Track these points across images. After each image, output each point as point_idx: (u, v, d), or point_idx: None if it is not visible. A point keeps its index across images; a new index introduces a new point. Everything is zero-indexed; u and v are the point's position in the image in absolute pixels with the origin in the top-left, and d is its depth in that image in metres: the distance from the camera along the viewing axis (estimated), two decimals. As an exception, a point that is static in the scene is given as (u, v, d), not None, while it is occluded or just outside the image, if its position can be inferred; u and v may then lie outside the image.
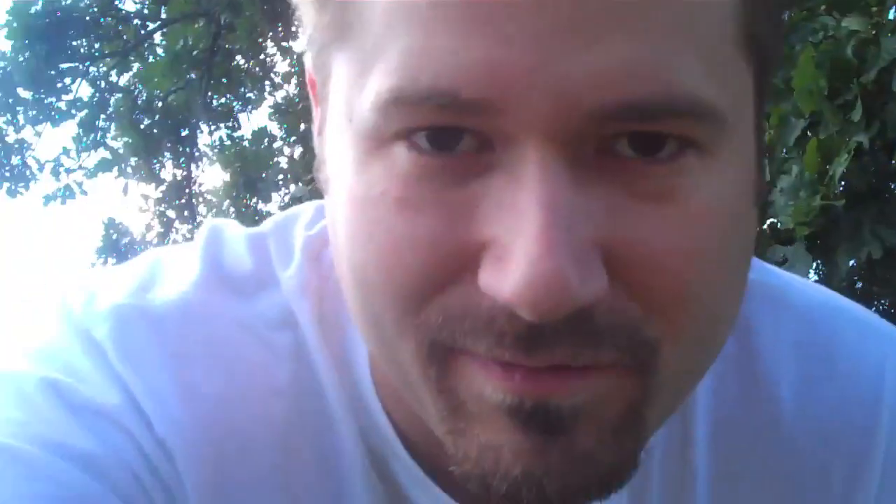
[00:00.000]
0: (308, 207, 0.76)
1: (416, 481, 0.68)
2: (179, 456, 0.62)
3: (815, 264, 2.80)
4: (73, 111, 9.40)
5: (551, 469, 0.51)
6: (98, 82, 9.58)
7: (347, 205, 0.53)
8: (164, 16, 9.17)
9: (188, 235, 9.46)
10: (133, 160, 9.08)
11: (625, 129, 0.47)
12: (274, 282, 0.70)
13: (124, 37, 9.41)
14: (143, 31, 9.33)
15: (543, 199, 0.46)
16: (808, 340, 0.72)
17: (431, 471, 0.68)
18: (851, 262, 2.74)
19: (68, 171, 9.45)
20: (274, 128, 9.26)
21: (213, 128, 9.42)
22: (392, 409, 0.68)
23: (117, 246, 9.51)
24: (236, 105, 9.55)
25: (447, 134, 0.49)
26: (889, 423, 0.71)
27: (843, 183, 2.61)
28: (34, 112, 9.42)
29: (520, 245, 0.46)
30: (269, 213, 8.92)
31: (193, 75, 9.03)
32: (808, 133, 2.75)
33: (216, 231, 0.74)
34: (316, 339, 0.68)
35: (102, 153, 9.23)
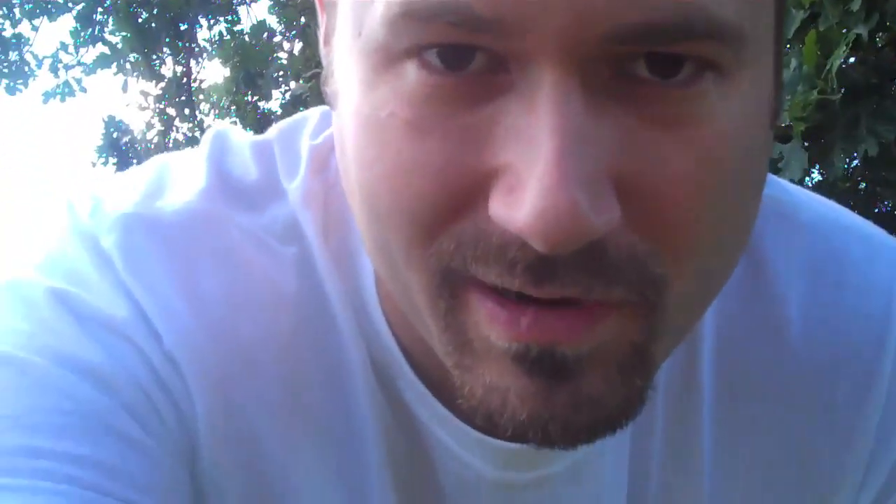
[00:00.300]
0: (313, 114, 0.76)
1: (420, 397, 0.68)
2: (188, 369, 0.63)
3: (812, 163, 2.77)
4: (70, 4, 9.27)
5: (557, 413, 0.51)
6: (94, -27, 9.43)
7: (355, 124, 0.52)
8: None
9: (189, 134, 9.41)
10: (132, 56, 8.97)
11: (642, 51, 0.46)
12: (280, 192, 0.70)
13: (120, -73, 9.23)
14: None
15: (557, 126, 0.45)
16: (817, 259, 0.72)
17: (435, 387, 0.67)
18: (851, 164, 2.71)
19: (67, 67, 9.36)
20: (273, 22, 9.12)
21: (212, 21, 9.29)
22: (397, 326, 0.68)
23: (118, 144, 9.46)
24: (235, -3, 9.40)
25: (459, 52, 0.48)
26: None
27: (840, 77, 2.54)
28: (30, 5, 9.31)
29: (532, 174, 0.45)
30: (269, 111, 8.86)
31: (191, -34, 8.89)
32: (808, 25, 2.68)
33: (221, 138, 0.74)
34: (321, 252, 0.68)
35: (101, 48, 9.13)
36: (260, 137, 0.75)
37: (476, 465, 0.69)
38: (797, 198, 0.75)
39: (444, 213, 0.50)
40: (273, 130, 0.76)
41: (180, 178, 0.71)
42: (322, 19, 0.62)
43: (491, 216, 0.48)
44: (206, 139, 0.75)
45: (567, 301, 0.49)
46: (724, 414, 0.72)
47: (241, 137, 0.75)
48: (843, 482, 0.72)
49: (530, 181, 0.45)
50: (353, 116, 0.52)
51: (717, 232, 0.50)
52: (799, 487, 0.73)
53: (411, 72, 0.48)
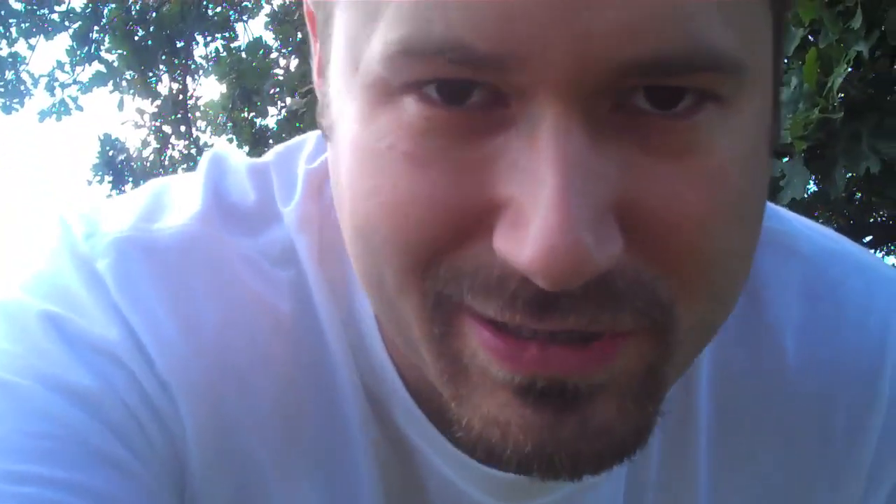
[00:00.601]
0: (310, 138, 0.75)
1: (416, 425, 0.67)
2: (180, 395, 0.62)
3: (813, 178, 2.77)
4: (67, 23, 9.28)
5: (564, 444, 0.50)
6: (91, -7, 9.45)
7: (352, 155, 0.51)
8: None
9: (185, 151, 9.41)
10: (128, 74, 8.98)
11: (642, 84, 0.46)
12: (276, 216, 0.70)
13: (115, -54, 9.24)
14: (134, -60, 9.15)
15: (560, 162, 0.45)
16: (814, 288, 0.71)
17: (433, 415, 0.66)
18: (849, 176, 2.71)
19: (63, 85, 9.38)
20: (269, 38, 9.13)
21: (208, 38, 9.30)
22: (394, 352, 0.67)
23: (113, 162, 9.46)
24: (232, 14, 9.42)
25: (458, 87, 0.47)
26: (892, 374, 0.70)
27: (841, 95, 2.54)
28: (27, 24, 9.32)
29: (536, 211, 0.45)
30: (266, 128, 8.85)
31: (187, -17, 8.90)
32: (808, 43, 2.68)
33: (218, 161, 0.73)
34: (316, 276, 0.68)
35: (97, 66, 9.14)
36: (258, 161, 0.75)
37: (473, 495, 0.68)
38: (794, 228, 0.75)
39: (442, 244, 0.49)
40: (270, 154, 0.76)
41: (177, 201, 0.70)
42: (315, 48, 0.61)
43: (495, 250, 0.47)
44: (204, 162, 0.74)
45: (571, 333, 0.49)
46: (721, 444, 0.71)
47: (238, 160, 0.75)
48: None
49: (534, 218, 0.45)
50: (351, 148, 0.52)
51: (723, 256, 0.50)
52: None
53: (410, 105, 0.48)
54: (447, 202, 0.48)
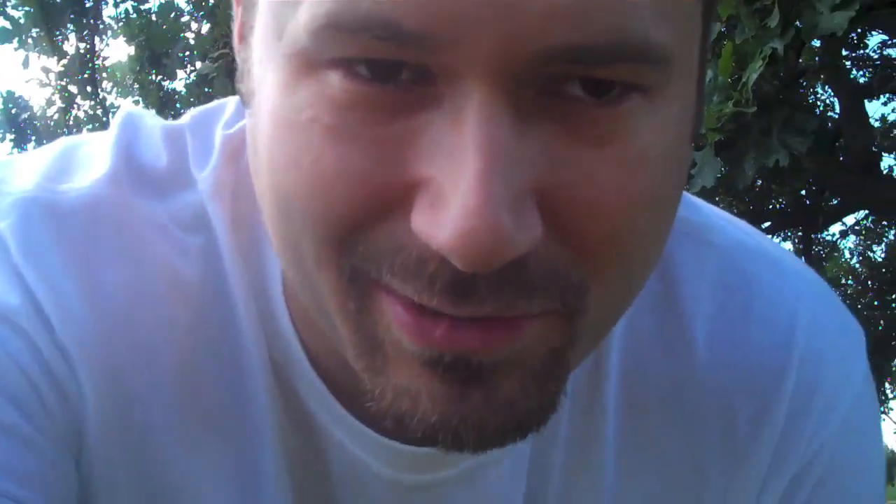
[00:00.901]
0: (230, 103, 0.73)
1: (318, 397, 0.67)
2: (80, 363, 0.61)
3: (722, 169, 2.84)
4: (-30, -23, 8.95)
5: (469, 416, 0.51)
6: (-5, -54, 9.13)
7: (271, 125, 0.51)
8: None
9: (91, 112, 9.18)
10: (34, 31, 8.70)
11: (572, 73, 0.46)
12: (189, 181, 0.68)
13: None
14: None
15: (483, 144, 0.44)
16: (726, 282, 0.73)
17: (336, 388, 0.66)
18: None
19: (-35, 40, 9.04)
20: (182, 2, 8.94)
21: (118, -1, 9.05)
22: (300, 324, 0.67)
23: (16, 120, 9.20)
24: (143, -25, 9.18)
25: (386, 65, 0.46)
26: (798, 367, 0.71)
27: (753, 89, 2.61)
28: (-73, -24, 8.96)
29: (457, 192, 0.44)
30: (174, 91, 8.69)
31: (97, -59, 8.67)
32: (723, 37, 2.74)
33: (131, 121, 0.71)
34: (228, 244, 0.66)
35: (2, 23, 8.82)
36: (173, 123, 0.73)
37: (371, 466, 0.68)
38: (711, 220, 0.76)
39: (360, 220, 0.49)
40: (187, 117, 0.74)
41: (86, 161, 0.68)
42: (237, 12, 0.59)
43: (413, 230, 0.47)
44: (117, 121, 0.71)
45: (482, 319, 0.49)
46: (628, 427, 0.72)
47: (153, 121, 0.72)
48: (738, 494, 0.73)
49: (454, 199, 0.44)
50: (271, 118, 0.51)
51: (639, 242, 0.51)
52: (692, 500, 0.73)
53: (335, 79, 0.47)
54: (367, 178, 0.48)
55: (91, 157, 0.68)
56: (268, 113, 0.51)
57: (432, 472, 0.69)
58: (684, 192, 0.75)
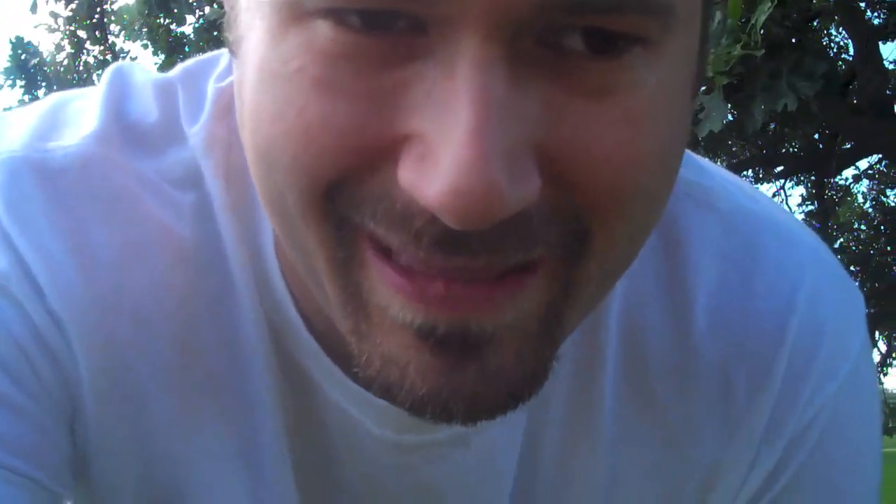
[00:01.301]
0: (224, 56, 0.72)
1: (313, 358, 0.67)
2: (71, 326, 0.60)
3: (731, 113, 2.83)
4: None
5: (461, 388, 0.49)
6: None
7: (257, 76, 0.49)
8: None
9: (100, 57, 9.14)
10: (41, -25, 8.64)
11: (572, 24, 0.44)
12: (180, 136, 0.66)
13: None
14: None
15: (477, 96, 0.42)
16: (730, 247, 0.72)
17: (331, 348, 0.66)
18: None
19: (-28, -16, 8.99)
20: (190, -56, 8.85)
21: (126, -58, 8.97)
22: (293, 283, 0.66)
23: (26, 66, 9.17)
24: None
25: (377, 15, 0.45)
26: (796, 334, 0.71)
27: (762, 32, 2.59)
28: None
29: (448, 146, 0.42)
30: (182, 35, 8.64)
31: None
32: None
33: (121, 75, 0.70)
34: (221, 200, 0.65)
35: (8, -34, 8.78)
36: (163, 76, 0.71)
37: (368, 426, 0.67)
38: (717, 184, 0.75)
39: (344, 173, 0.47)
40: (178, 70, 0.71)
41: (75, 118, 0.66)
42: None
43: (399, 184, 0.45)
44: (106, 76, 0.70)
45: (477, 274, 0.47)
46: (627, 391, 0.71)
47: (143, 76, 0.70)
48: (733, 465, 0.72)
49: (445, 153, 0.42)
50: (257, 68, 0.49)
51: (642, 197, 0.49)
52: (689, 465, 0.73)
53: (323, 28, 0.45)
54: (353, 132, 0.46)
55: (80, 114, 0.66)
56: (254, 63, 0.50)
57: (429, 433, 0.68)
58: (690, 153, 0.75)
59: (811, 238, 0.76)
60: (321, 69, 0.46)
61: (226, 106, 0.67)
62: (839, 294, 0.74)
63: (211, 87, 0.69)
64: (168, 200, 0.64)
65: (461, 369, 0.49)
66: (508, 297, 0.48)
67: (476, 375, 0.49)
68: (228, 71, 0.70)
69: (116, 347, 0.62)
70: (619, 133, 0.46)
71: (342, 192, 0.48)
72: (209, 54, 0.73)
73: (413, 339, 0.49)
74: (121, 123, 0.66)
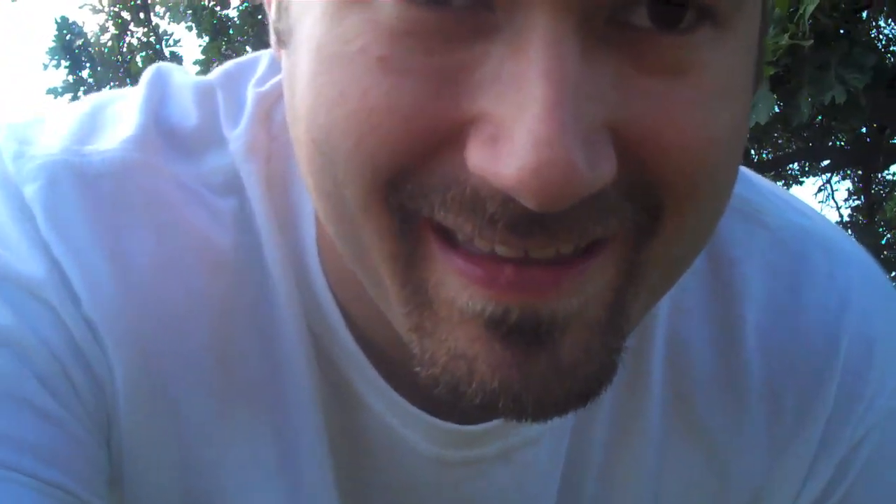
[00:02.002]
0: (262, 60, 0.71)
1: (357, 368, 0.65)
2: (108, 337, 0.59)
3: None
4: None
5: (532, 380, 0.48)
6: None
7: (315, 60, 0.47)
8: None
9: (144, 39, 9.21)
10: (87, -44, 8.72)
11: None
12: (220, 141, 0.65)
13: None
14: None
15: (551, 73, 0.41)
16: (777, 262, 0.71)
17: (376, 357, 0.65)
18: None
19: (19, -36, 9.09)
20: (235, -73, 8.88)
21: (171, -76, 9.02)
22: (338, 289, 0.64)
23: (70, 47, 9.25)
24: None
25: None
26: (846, 353, 0.69)
27: (810, 22, 2.55)
28: None
29: (523, 124, 0.41)
30: (227, 17, 8.68)
31: None
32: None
33: (161, 77, 0.69)
34: (261, 207, 0.64)
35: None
36: (203, 79, 0.70)
37: (410, 440, 0.67)
38: (766, 199, 0.74)
39: (409, 158, 0.45)
40: (218, 73, 0.71)
41: (114, 121, 0.65)
42: None
43: (469, 168, 0.44)
44: (146, 77, 0.69)
45: (551, 259, 0.46)
46: (673, 405, 0.70)
47: (182, 79, 0.70)
48: (780, 486, 0.72)
49: (520, 132, 0.41)
50: (314, 52, 0.47)
51: (714, 179, 0.48)
52: (733, 484, 0.72)
53: (388, 4, 0.44)
54: (419, 113, 0.44)
55: (119, 117, 0.65)
56: (309, 48, 0.48)
57: (471, 449, 0.67)
58: (741, 167, 0.75)
59: (860, 254, 0.74)
60: (385, 47, 0.44)
61: (265, 112, 0.66)
62: (889, 310, 0.72)
63: (250, 92, 0.68)
64: (207, 207, 0.63)
65: (532, 361, 0.48)
66: (578, 278, 0.47)
67: (547, 366, 0.48)
68: (268, 74, 0.69)
69: (152, 355, 0.61)
70: (691, 113, 0.45)
71: (406, 181, 0.46)
72: (248, 56, 0.72)
73: (482, 331, 0.47)
74: (160, 127, 0.65)
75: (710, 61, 0.45)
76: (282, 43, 0.54)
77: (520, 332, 0.47)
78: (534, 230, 0.44)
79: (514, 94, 0.42)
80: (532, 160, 0.40)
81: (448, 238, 0.48)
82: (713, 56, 0.45)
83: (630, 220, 0.47)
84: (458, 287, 0.48)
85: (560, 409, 0.50)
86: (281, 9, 0.54)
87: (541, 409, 0.49)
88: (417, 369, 0.50)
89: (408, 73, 0.44)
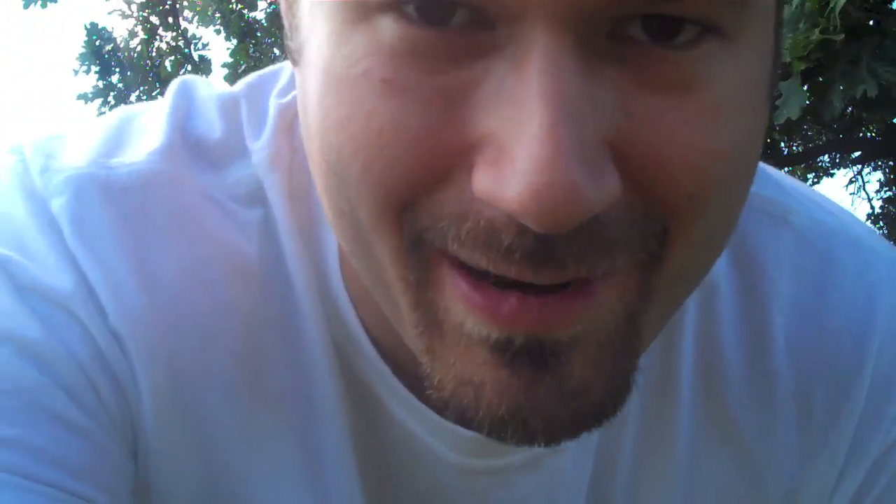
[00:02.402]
0: (284, 70, 0.71)
1: (381, 378, 0.65)
2: (134, 348, 0.59)
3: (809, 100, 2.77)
4: None
5: (539, 405, 0.47)
6: None
7: (322, 81, 0.48)
8: None
9: (172, 43, 9.27)
10: (115, -38, 8.80)
11: (639, 11, 0.42)
12: (243, 152, 0.66)
13: None
14: None
15: (550, 91, 0.41)
16: (804, 262, 0.70)
17: (399, 367, 0.65)
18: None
19: (48, -29, 9.16)
20: (262, -70, 8.95)
21: (198, -72, 9.08)
22: (359, 302, 0.65)
23: (100, 52, 9.34)
24: None
25: (439, 5, 0.43)
26: (877, 353, 0.69)
27: (841, 16, 2.53)
28: None
29: (523, 145, 0.41)
30: (255, 21, 8.73)
31: None
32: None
33: (186, 90, 0.70)
34: (284, 218, 0.64)
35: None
36: (227, 91, 0.70)
37: (435, 449, 0.66)
38: (792, 198, 0.73)
39: (419, 183, 0.45)
40: (241, 84, 0.71)
41: (140, 133, 0.65)
42: None
43: (475, 192, 0.43)
44: (171, 90, 0.69)
45: (558, 287, 0.46)
46: (702, 408, 0.69)
47: (207, 91, 0.70)
48: (812, 489, 0.71)
49: (520, 153, 0.41)
50: (322, 73, 0.47)
51: (720, 198, 0.47)
52: (765, 489, 0.71)
53: (388, 25, 0.44)
54: (428, 136, 0.44)
55: (145, 129, 0.66)
56: (318, 68, 0.48)
57: (497, 458, 0.67)
58: (764, 167, 0.72)
59: (889, 251, 0.73)
60: (388, 69, 0.44)
61: (287, 123, 0.66)
62: None
63: (273, 103, 0.68)
64: (232, 218, 0.64)
65: (538, 385, 0.47)
66: (582, 301, 0.46)
67: (554, 390, 0.47)
68: (290, 86, 0.69)
69: (178, 367, 0.61)
70: (695, 129, 0.44)
71: (416, 207, 0.46)
72: (271, 68, 0.73)
73: (489, 356, 0.47)
74: (186, 140, 0.65)
75: (716, 75, 0.44)
76: (294, 61, 0.55)
77: (526, 355, 0.47)
78: (548, 258, 0.44)
79: (514, 113, 0.42)
80: (533, 182, 0.40)
81: (459, 264, 0.47)
82: (720, 70, 0.44)
83: (639, 249, 0.46)
84: (464, 312, 0.47)
85: (570, 432, 0.49)
86: (292, 27, 0.54)
87: (550, 433, 0.48)
88: (429, 392, 0.50)
89: (412, 95, 0.44)
